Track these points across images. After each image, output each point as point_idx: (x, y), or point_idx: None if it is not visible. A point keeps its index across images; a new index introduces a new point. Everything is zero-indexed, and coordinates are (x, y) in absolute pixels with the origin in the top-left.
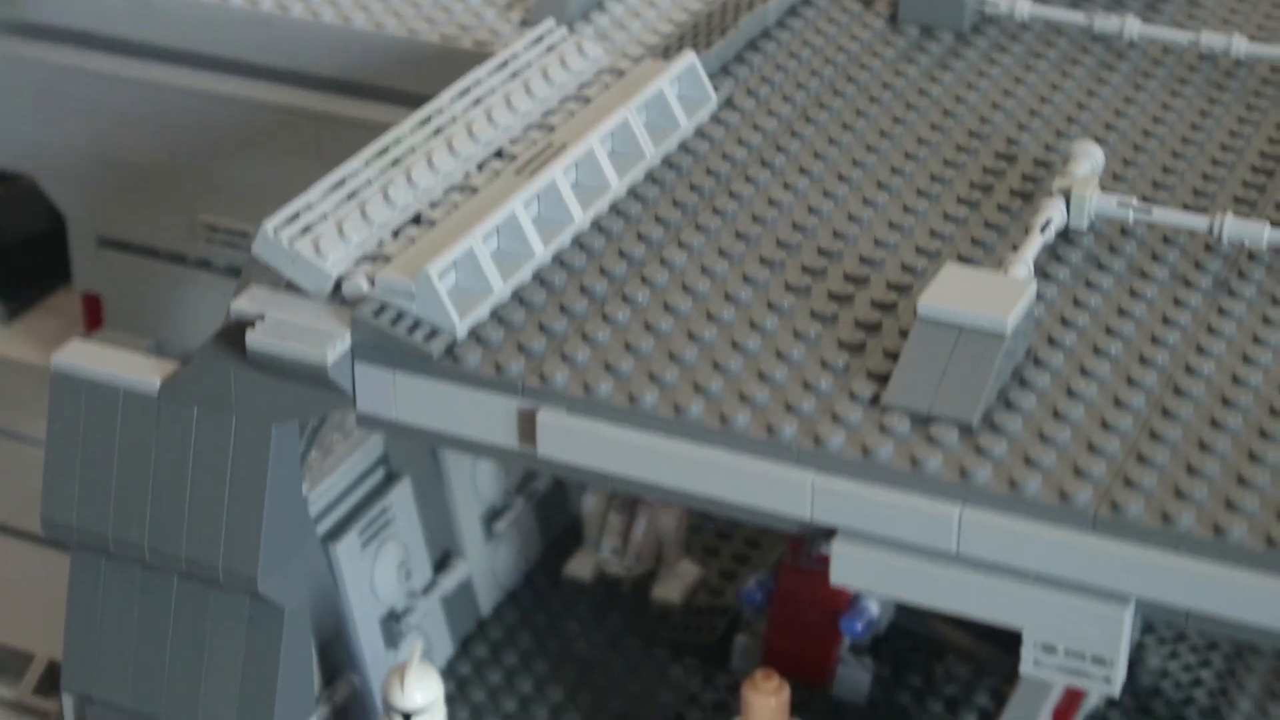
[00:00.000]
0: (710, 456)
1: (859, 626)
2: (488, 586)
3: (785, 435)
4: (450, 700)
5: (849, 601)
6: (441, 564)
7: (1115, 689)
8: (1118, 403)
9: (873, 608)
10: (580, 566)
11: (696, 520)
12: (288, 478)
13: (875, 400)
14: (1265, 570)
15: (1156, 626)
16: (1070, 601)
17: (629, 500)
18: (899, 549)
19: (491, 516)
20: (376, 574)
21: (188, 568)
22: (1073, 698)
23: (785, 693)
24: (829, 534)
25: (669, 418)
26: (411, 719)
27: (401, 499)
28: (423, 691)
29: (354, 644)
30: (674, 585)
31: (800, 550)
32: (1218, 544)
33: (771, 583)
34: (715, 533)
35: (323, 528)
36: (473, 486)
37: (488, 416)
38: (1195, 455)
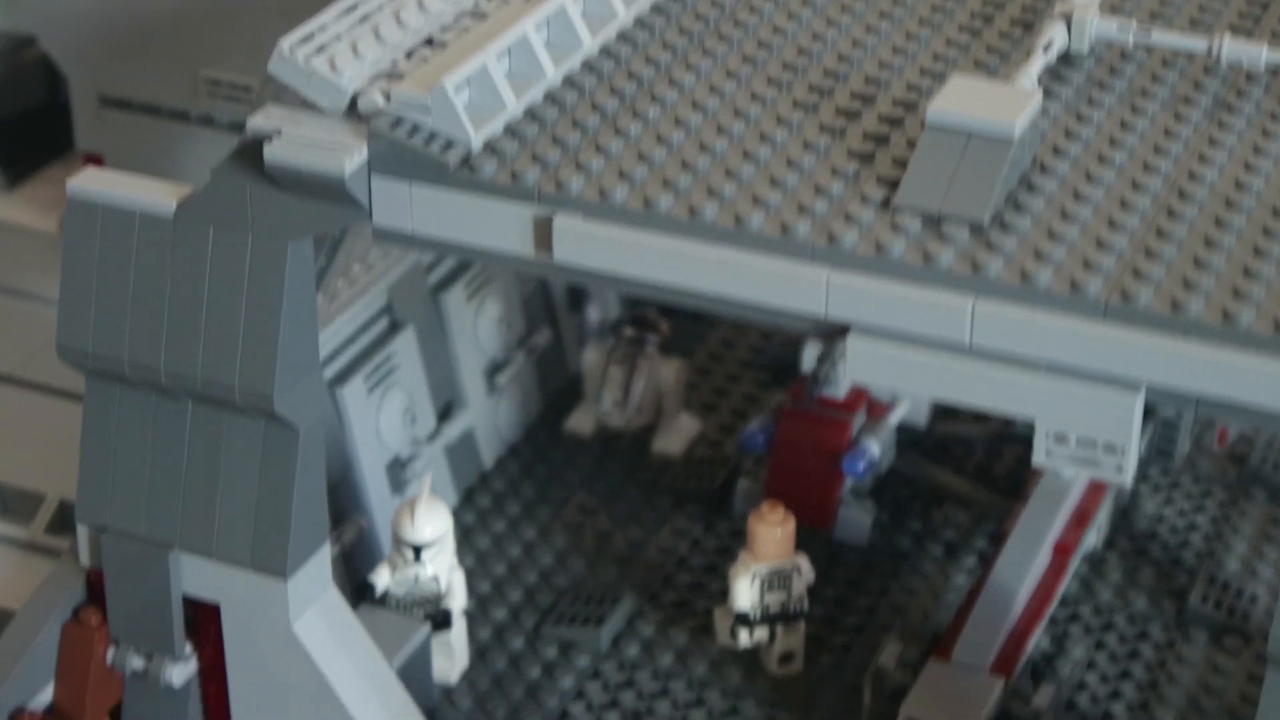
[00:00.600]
0: (726, 256)
1: (860, 466)
2: (490, 439)
3: (799, 234)
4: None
5: (849, 443)
6: (445, 414)
7: (1127, 478)
8: (1124, 205)
9: (873, 448)
10: (581, 421)
11: (695, 377)
12: (303, 297)
13: (886, 203)
14: (1273, 353)
15: (1150, 473)
16: (1082, 390)
17: (629, 353)
18: (913, 343)
19: (493, 370)
20: (382, 420)
21: (203, 389)
22: (1071, 537)
23: (790, 524)
24: (843, 331)
25: (684, 220)
26: (421, 553)
27: (405, 347)
28: (432, 525)
29: (361, 488)
30: (674, 438)
31: (801, 394)
32: (1226, 329)
33: (772, 427)
34: (714, 389)
35: (329, 372)
36: (474, 339)
37: (504, 225)
38: (1202, 250)
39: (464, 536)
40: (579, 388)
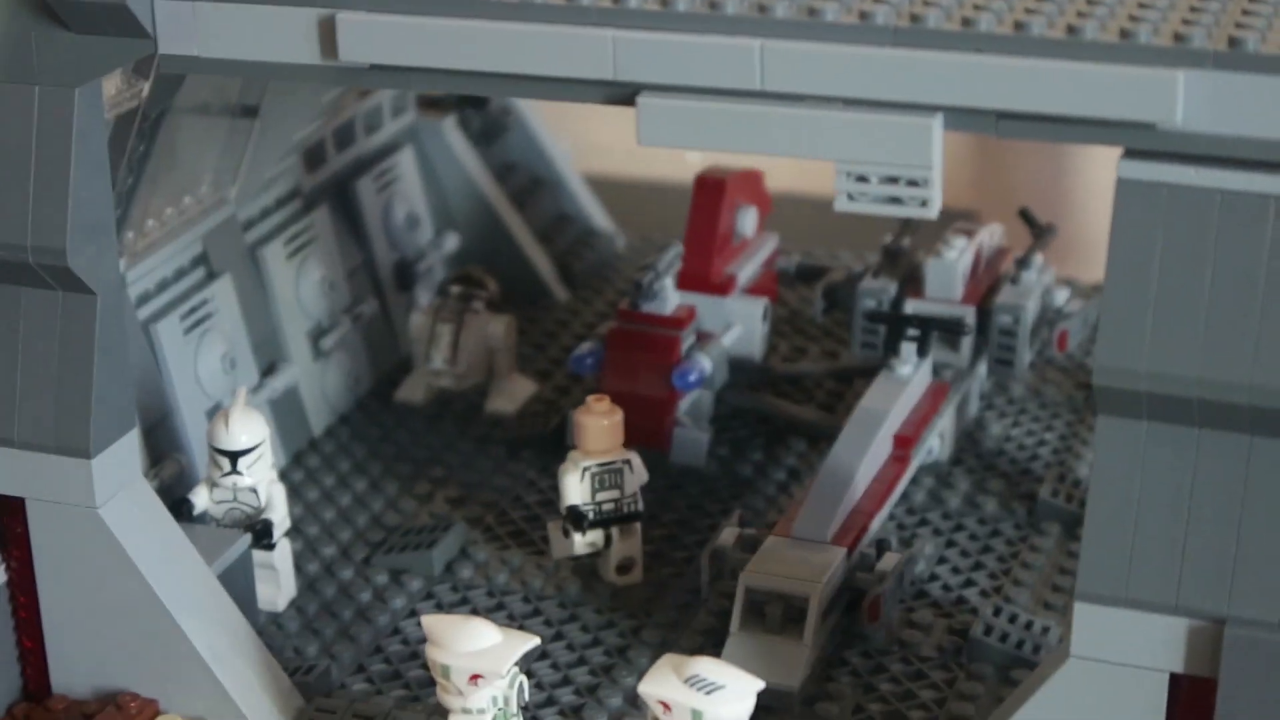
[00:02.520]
0: (511, 31)
1: (691, 378)
2: (318, 407)
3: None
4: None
5: (680, 357)
6: (269, 372)
7: (933, 210)
8: None
9: (704, 362)
10: (411, 390)
11: (531, 350)
12: (94, 148)
13: None
14: (1067, 57)
15: (996, 403)
16: (878, 121)
17: (456, 310)
18: (704, 96)
19: (318, 334)
20: (200, 364)
21: None
22: (912, 430)
23: (618, 417)
24: (635, 93)
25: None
26: (238, 461)
27: (223, 294)
28: (248, 433)
29: (180, 430)
30: (507, 399)
31: (628, 316)
32: (1019, 39)
33: (602, 349)
34: (550, 359)
35: (144, 313)
36: (296, 298)
37: (289, 33)
38: None
39: (292, 492)
40: (410, 366)
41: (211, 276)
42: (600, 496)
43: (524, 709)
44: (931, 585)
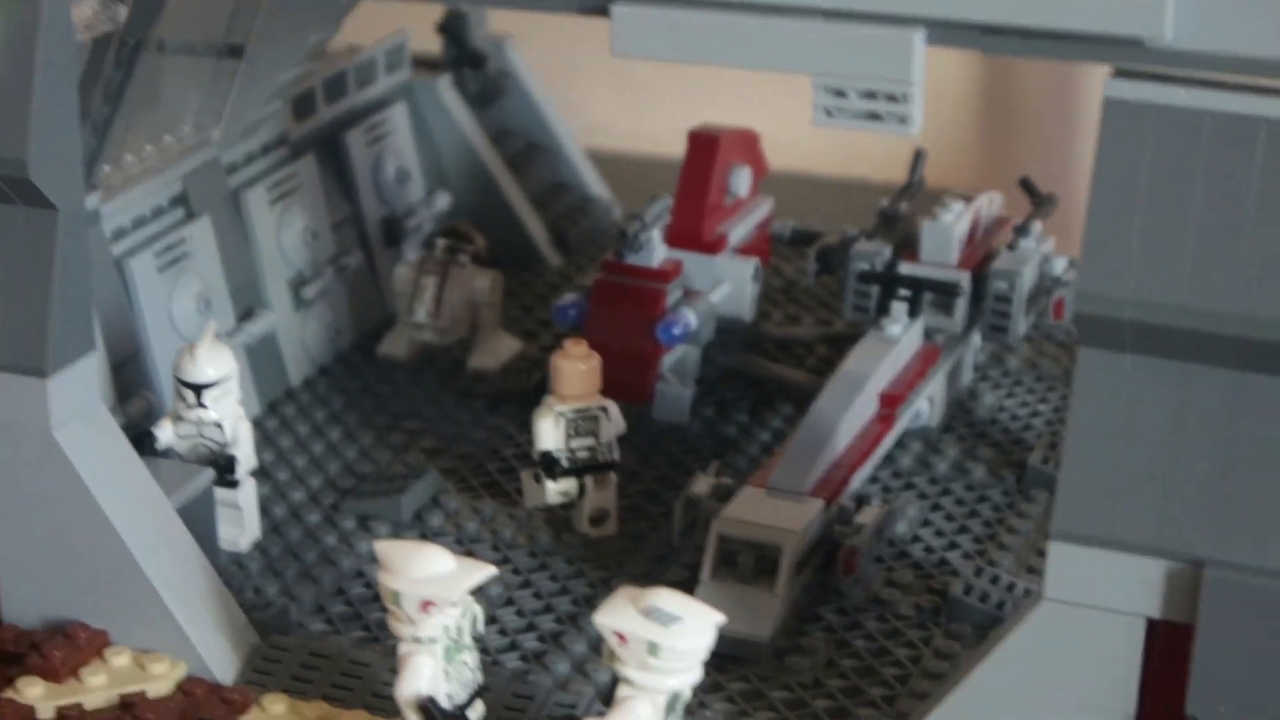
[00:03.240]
0: None
1: (676, 331)
2: (297, 357)
3: None
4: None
5: (664, 311)
6: (247, 317)
7: (914, 127)
8: None
9: (690, 315)
10: (394, 344)
11: (520, 312)
12: (59, 61)
13: None
14: None
15: (990, 374)
16: (858, 33)
17: (441, 263)
18: (681, 5)
19: (300, 283)
20: (175, 302)
21: None
22: (899, 389)
23: (595, 362)
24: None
25: None
26: (203, 394)
27: (201, 235)
28: (215, 365)
29: (151, 367)
30: (491, 355)
31: (614, 268)
32: None
33: (585, 300)
34: (537, 319)
35: (119, 249)
36: (277, 245)
37: None
38: None
39: (264, 439)
40: (394, 321)
41: (190, 217)
42: (575, 443)
43: (478, 642)
44: (914, 547)
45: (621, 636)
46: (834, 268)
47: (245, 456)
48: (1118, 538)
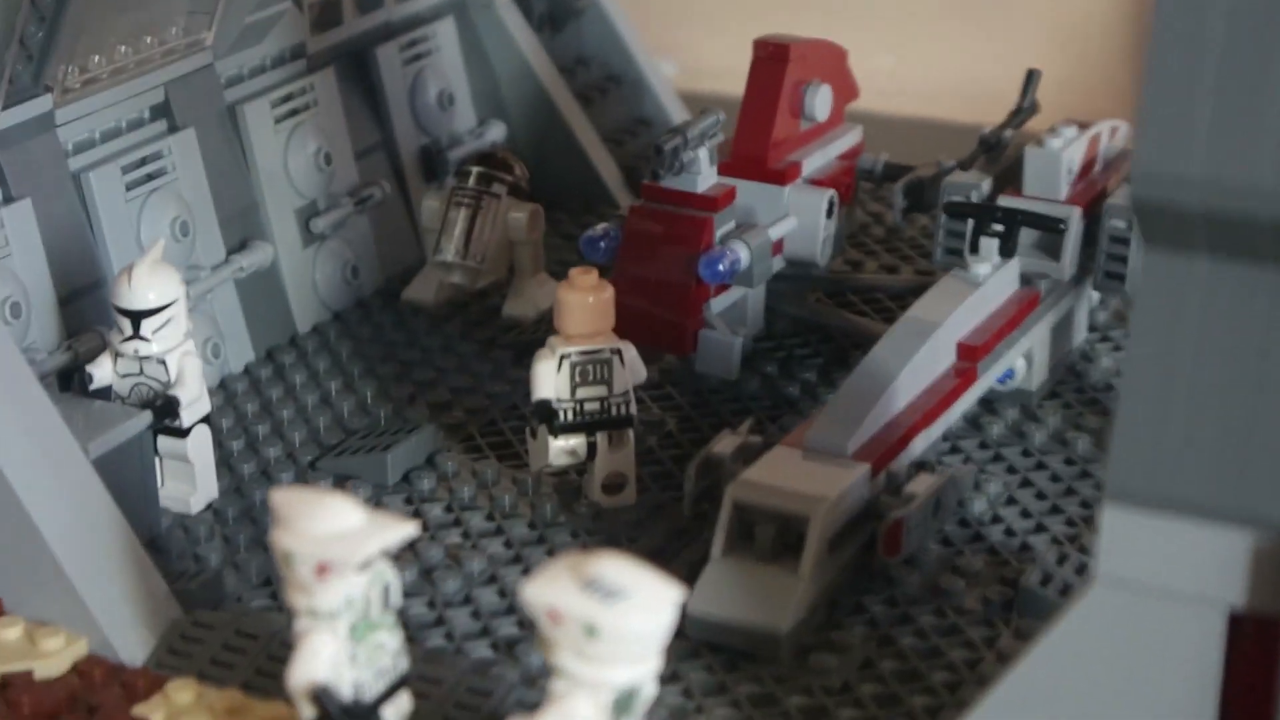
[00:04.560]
0: None
1: (721, 267)
2: (305, 299)
3: None
4: (234, 398)
5: (710, 243)
6: (241, 248)
7: None
8: None
9: (741, 250)
10: (422, 288)
11: (575, 255)
12: None
13: None
14: None
15: (1112, 335)
16: None
17: (473, 194)
18: None
19: (310, 214)
20: (144, 226)
21: None
22: (984, 340)
23: (608, 294)
24: None
25: None
26: (141, 324)
27: (183, 151)
28: (156, 290)
29: (109, 298)
30: (527, 302)
31: (655, 194)
32: None
33: (619, 230)
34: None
35: (78, 162)
36: (283, 169)
37: None
38: None
39: (253, 388)
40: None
41: (173, 131)
42: (582, 393)
43: (397, 616)
44: (992, 529)
45: (554, 615)
46: (926, 205)
47: (192, 398)
48: (1190, 499)
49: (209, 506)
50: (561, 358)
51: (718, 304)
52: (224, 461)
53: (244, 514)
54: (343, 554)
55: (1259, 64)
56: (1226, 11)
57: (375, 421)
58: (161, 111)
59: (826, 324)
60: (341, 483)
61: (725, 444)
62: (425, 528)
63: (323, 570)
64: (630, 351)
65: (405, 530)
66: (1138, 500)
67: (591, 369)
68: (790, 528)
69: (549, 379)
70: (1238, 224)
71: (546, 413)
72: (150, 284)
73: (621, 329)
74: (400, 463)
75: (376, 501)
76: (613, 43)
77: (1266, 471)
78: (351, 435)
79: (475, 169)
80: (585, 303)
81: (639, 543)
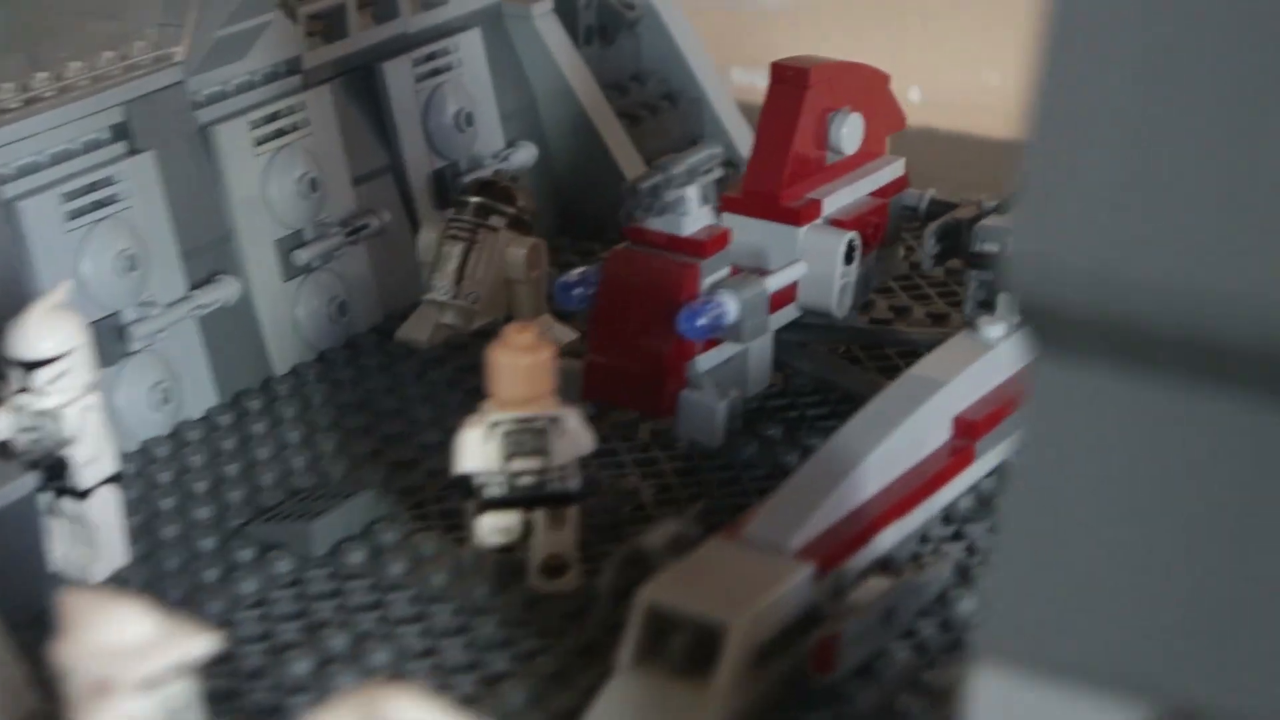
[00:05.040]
0: None
1: (700, 321)
2: (283, 337)
3: None
4: (182, 448)
5: (695, 292)
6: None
7: None
8: None
9: (728, 301)
10: (417, 327)
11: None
12: None
13: None
14: None
15: None
16: None
17: (470, 225)
18: None
19: (293, 245)
20: (85, 260)
21: None
22: (988, 414)
23: (545, 355)
24: None
25: None
26: (35, 373)
27: (137, 176)
28: (54, 338)
29: None
30: None
31: (639, 236)
32: None
33: (597, 276)
34: None
35: (14, 189)
36: (261, 196)
37: None
38: None
39: (206, 437)
40: None
41: (132, 154)
42: (516, 465)
43: None
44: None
45: None
46: (962, 249)
47: (90, 457)
48: (1077, 664)
49: (115, 574)
50: (491, 426)
51: (707, 360)
52: (148, 522)
53: (150, 584)
54: (122, 670)
55: (1158, 127)
56: (1127, 70)
57: (322, 482)
58: (121, 133)
59: (829, 378)
60: (266, 552)
61: (659, 535)
62: (343, 609)
63: (100, 689)
64: (573, 420)
65: (200, 645)
66: (1014, 662)
67: (526, 438)
68: (711, 637)
69: (473, 449)
70: (1134, 328)
71: (468, 488)
72: (45, 332)
73: (595, 386)
74: (330, 532)
75: (298, 576)
76: (671, 55)
77: (1172, 632)
78: (292, 497)
79: (473, 199)
80: (518, 366)
81: (569, 638)
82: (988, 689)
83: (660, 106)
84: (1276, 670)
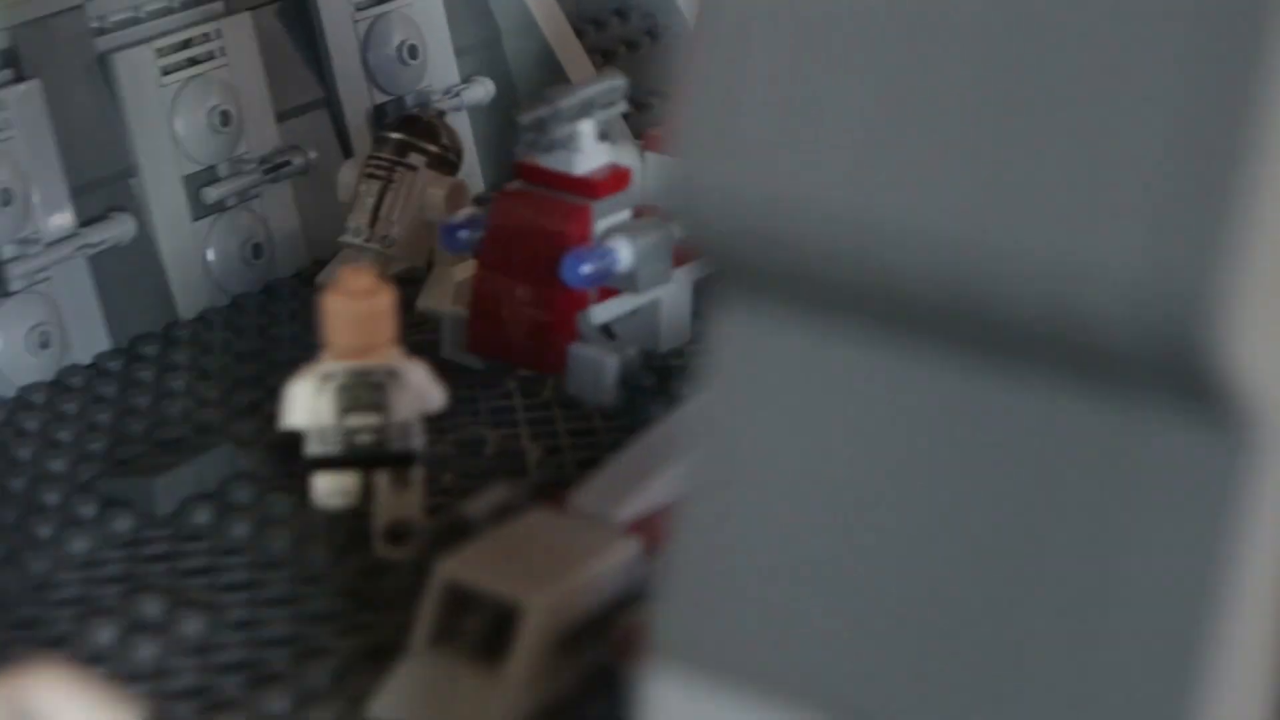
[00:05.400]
0: None
1: (584, 269)
2: (191, 280)
3: None
4: (58, 395)
5: (584, 236)
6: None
7: None
8: None
9: (621, 248)
10: (335, 273)
11: None
12: None
13: None
14: None
15: None
16: None
17: (388, 163)
18: None
19: (204, 182)
20: None
21: None
22: None
23: (384, 301)
24: None
25: None
26: None
27: (23, 105)
28: None
29: None
30: (443, 294)
31: (533, 174)
32: None
33: (484, 218)
34: None
35: None
36: (166, 129)
37: None
38: None
39: (88, 385)
40: None
41: (18, 82)
42: (351, 421)
43: None
44: None
45: None
46: None
47: None
48: (744, 670)
49: None
50: (325, 378)
51: (606, 311)
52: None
53: None
54: None
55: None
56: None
57: (186, 435)
58: (9, 59)
59: None
60: (107, 507)
61: (485, 501)
62: (174, 572)
63: None
64: (415, 373)
65: None
66: (685, 666)
67: (362, 392)
68: (509, 618)
69: (303, 403)
70: (808, 267)
71: (289, 445)
72: None
73: (480, 339)
74: (176, 489)
75: (136, 536)
76: None
77: (844, 638)
78: (152, 449)
79: (393, 136)
80: (353, 311)
81: (405, 612)
82: (658, 695)
83: (640, 42)
84: (957, 685)
